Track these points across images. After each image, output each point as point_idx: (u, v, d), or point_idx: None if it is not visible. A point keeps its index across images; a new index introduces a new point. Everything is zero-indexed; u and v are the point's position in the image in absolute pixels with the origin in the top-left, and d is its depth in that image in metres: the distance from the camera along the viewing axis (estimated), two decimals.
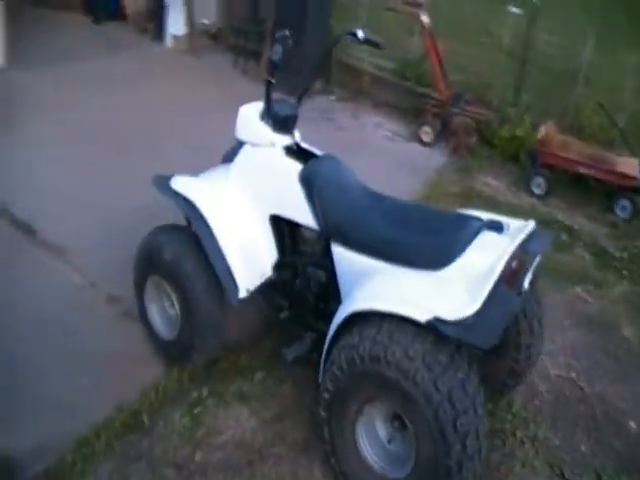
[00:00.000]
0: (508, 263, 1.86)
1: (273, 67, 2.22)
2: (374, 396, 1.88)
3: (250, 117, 2.33)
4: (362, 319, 1.86)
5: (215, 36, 6.76)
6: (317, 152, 2.40)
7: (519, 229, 2.06)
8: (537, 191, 4.57)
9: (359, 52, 5.70)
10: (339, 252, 2.12)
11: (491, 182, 4.74)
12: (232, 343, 2.65)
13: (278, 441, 2.26)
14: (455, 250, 1.90)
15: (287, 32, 2.26)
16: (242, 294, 2.27)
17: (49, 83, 5.25)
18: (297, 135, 2.40)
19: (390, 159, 4.78)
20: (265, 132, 2.30)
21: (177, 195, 2.34)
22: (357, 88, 5.82)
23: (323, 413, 1.99)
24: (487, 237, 2.00)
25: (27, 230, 3.41)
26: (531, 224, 2.10)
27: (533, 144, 4.63)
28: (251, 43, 6.09)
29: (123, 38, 6.93)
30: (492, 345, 1.72)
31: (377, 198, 2.22)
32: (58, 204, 3.62)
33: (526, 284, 1.98)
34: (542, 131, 4.61)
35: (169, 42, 6.62)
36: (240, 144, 2.41)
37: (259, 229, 2.34)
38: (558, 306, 3.35)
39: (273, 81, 2.28)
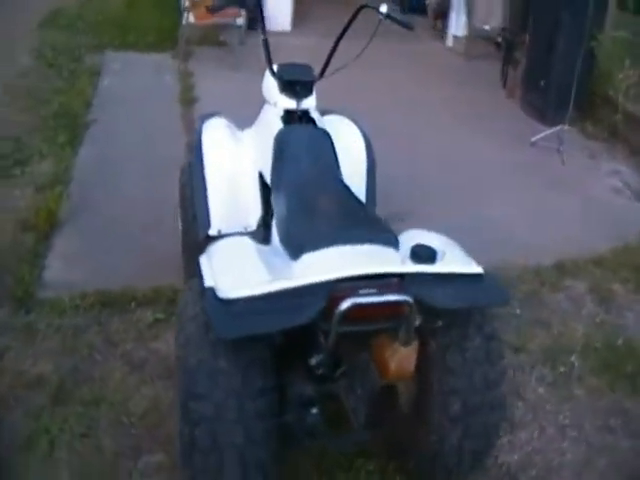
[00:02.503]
0: (347, 285, 1.60)
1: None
2: None
3: (269, 75, 2.46)
4: None
5: (497, 43, 6.73)
6: (319, 124, 2.40)
7: (449, 266, 1.75)
8: None
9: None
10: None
11: None
12: None
13: None
14: (307, 245, 1.76)
15: None
16: (211, 232, 2.42)
17: (316, 49, 6.01)
18: (310, 103, 2.43)
19: (598, 211, 4.06)
20: (273, 91, 2.41)
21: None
22: (610, 125, 5.19)
23: None
24: (365, 251, 1.75)
25: None
26: (474, 269, 1.75)
27: None
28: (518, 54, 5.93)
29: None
30: (227, 337, 1.56)
31: (319, 179, 2.13)
32: None
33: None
34: None
35: (449, 41, 6.84)
36: None
37: (249, 183, 2.46)
38: None
39: (264, 37, 2.47)
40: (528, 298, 3.04)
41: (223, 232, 2.45)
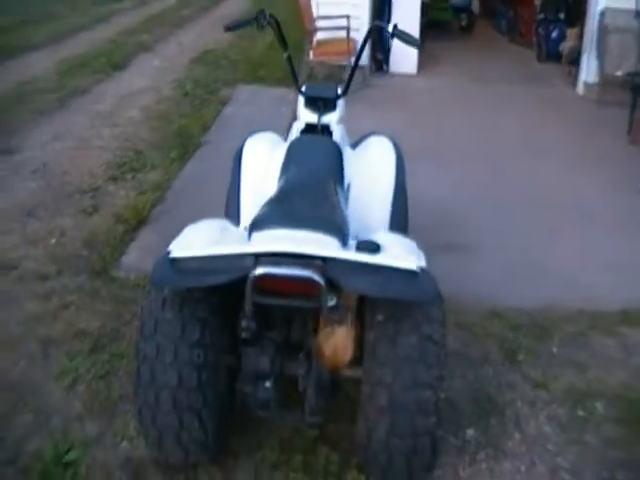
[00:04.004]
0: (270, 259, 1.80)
1: (228, 30, 2.69)
2: None
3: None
4: None
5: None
6: (335, 137, 2.62)
7: (388, 260, 1.85)
8: None
9: None
10: None
11: None
12: None
13: None
14: (257, 226, 1.97)
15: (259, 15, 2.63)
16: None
17: (440, 91, 6.42)
18: (331, 118, 2.69)
19: None
20: (299, 106, 2.75)
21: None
22: None
23: None
24: (304, 236, 1.90)
25: None
26: (406, 265, 1.83)
27: None
28: None
29: (546, 76, 7.46)
30: (156, 286, 1.92)
31: (308, 179, 2.31)
32: None
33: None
34: None
35: (580, 88, 6.80)
36: None
37: (274, 187, 2.67)
38: None
39: (286, 55, 2.75)
40: (571, 339, 2.98)
41: None
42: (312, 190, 2.24)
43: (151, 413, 1.94)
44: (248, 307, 1.86)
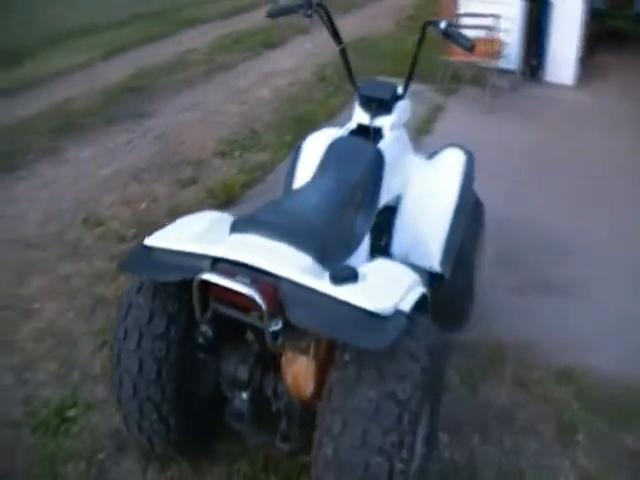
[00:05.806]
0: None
1: (269, 16, 2.50)
2: None
3: None
4: None
5: None
6: (384, 143, 2.38)
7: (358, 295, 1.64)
8: None
9: None
10: None
11: None
12: None
13: None
14: (237, 227, 1.87)
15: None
16: None
17: (599, 110, 5.86)
18: (385, 121, 2.44)
19: None
20: (355, 104, 2.52)
21: None
22: None
23: None
24: (277, 248, 1.77)
25: None
26: (367, 305, 1.60)
27: None
28: None
29: None
30: (120, 269, 1.96)
31: (326, 185, 2.13)
32: None
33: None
34: None
35: None
36: None
37: None
38: None
39: (340, 46, 2.62)
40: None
41: None
42: (319, 199, 2.04)
43: (117, 394, 1.96)
44: (197, 311, 1.77)
